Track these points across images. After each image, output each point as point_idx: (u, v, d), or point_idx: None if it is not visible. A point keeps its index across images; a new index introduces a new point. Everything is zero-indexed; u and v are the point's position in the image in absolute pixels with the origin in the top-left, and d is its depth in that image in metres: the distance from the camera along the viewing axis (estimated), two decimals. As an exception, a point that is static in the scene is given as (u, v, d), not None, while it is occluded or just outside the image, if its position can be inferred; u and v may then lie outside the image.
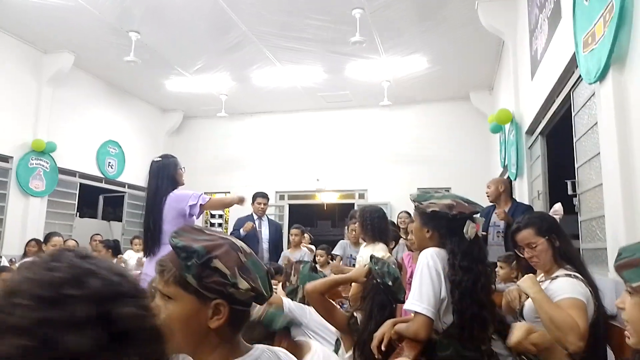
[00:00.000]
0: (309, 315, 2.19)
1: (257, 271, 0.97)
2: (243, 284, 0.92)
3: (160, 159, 3.28)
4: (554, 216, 2.14)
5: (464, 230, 1.83)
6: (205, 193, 9.89)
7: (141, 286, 0.64)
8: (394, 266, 2.30)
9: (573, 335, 1.71)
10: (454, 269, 1.80)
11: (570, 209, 3.25)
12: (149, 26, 6.03)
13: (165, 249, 2.95)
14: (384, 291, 2.13)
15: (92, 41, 6.52)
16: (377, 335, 1.93)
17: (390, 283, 2.13)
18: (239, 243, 1.00)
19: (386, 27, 5.92)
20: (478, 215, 1.92)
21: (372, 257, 2.27)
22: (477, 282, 1.79)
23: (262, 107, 9.22)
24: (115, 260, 5.33)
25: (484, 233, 4.94)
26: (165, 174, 3.17)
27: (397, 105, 8.33)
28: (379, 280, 2.13)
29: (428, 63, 6.99)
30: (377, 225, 3.36)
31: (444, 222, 1.88)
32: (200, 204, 3.03)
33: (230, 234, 5.36)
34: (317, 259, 5.40)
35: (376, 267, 2.17)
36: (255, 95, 8.48)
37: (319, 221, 12.44)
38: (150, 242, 3.02)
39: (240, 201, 3.27)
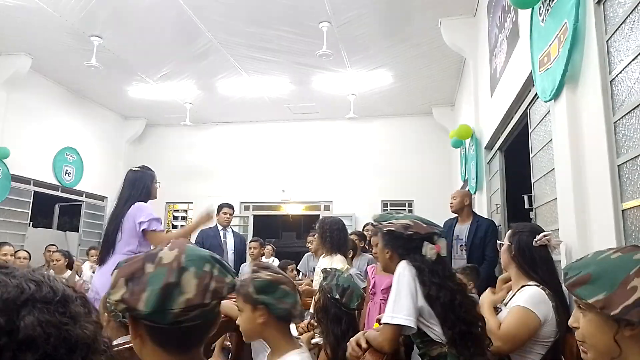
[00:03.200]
0: None
1: None
2: None
3: (138, 169, 3.20)
4: (543, 237, 2.17)
5: (423, 252, 1.85)
6: (167, 203, 9.59)
7: (69, 293, 0.62)
8: (346, 275, 2.32)
9: (491, 336, 1.88)
10: (424, 285, 1.79)
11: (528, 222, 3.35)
12: (112, 31, 5.90)
13: (117, 259, 2.86)
14: (335, 304, 2.15)
15: (51, 44, 6.31)
16: (352, 342, 1.92)
17: (337, 296, 2.15)
18: None
19: (352, 42, 6.01)
20: (437, 236, 1.94)
21: (323, 271, 2.28)
22: (454, 300, 1.78)
23: (228, 116, 9.14)
24: (68, 273, 5.13)
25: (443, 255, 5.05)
26: (141, 185, 3.08)
27: (363, 118, 8.44)
28: (328, 296, 2.16)
29: (392, 78, 7.13)
30: (335, 237, 3.35)
31: (400, 242, 1.92)
32: (144, 229, 2.86)
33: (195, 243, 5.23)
34: (250, 252, 5.36)
35: (324, 283, 2.20)
36: (221, 104, 8.41)
37: (283, 232, 12.36)
38: (105, 250, 2.92)
39: (209, 218, 3.18)
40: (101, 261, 2.97)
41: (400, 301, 1.77)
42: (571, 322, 1.08)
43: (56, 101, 7.76)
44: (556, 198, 2.59)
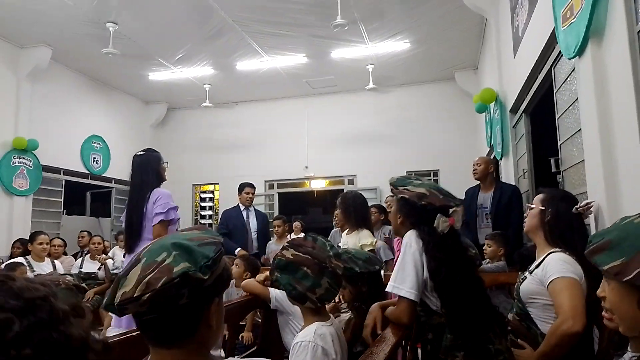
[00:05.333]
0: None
1: None
2: None
3: (143, 152, 3.19)
4: (585, 206, 2.07)
5: (435, 224, 1.81)
6: (193, 185, 9.75)
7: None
8: (353, 250, 2.38)
9: (567, 326, 1.73)
10: (428, 256, 1.78)
11: (554, 186, 3.24)
12: (127, 16, 5.91)
13: (144, 245, 2.88)
14: (375, 275, 2.16)
15: (69, 34, 6.37)
16: (369, 322, 1.93)
17: (377, 267, 2.21)
18: None
19: (368, 9, 5.84)
20: (453, 209, 1.90)
21: (346, 267, 2.03)
22: (454, 277, 1.76)
23: (247, 95, 9.13)
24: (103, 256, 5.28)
25: (459, 224, 4.96)
26: (150, 168, 3.08)
27: (383, 88, 8.29)
28: (366, 276, 2.16)
29: (412, 44, 6.92)
30: (360, 211, 3.30)
31: (413, 211, 1.88)
32: (162, 219, 2.86)
33: (218, 228, 5.28)
34: (275, 230, 5.37)
35: (357, 270, 2.16)
36: (239, 83, 8.38)
37: (310, 208, 12.43)
38: (133, 238, 2.95)
39: None
40: (130, 249, 3.00)
41: (404, 272, 1.77)
42: (599, 291, 1.05)
43: (79, 90, 7.89)
44: (584, 160, 2.49)
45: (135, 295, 0.84)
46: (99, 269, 5.22)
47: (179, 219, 3.04)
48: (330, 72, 7.94)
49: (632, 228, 0.93)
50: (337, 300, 2.40)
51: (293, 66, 7.67)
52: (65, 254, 5.53)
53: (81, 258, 5.44)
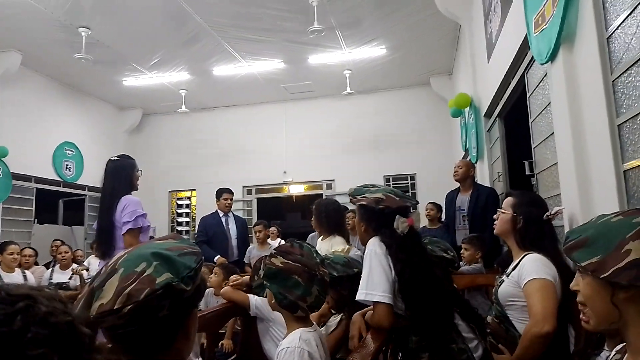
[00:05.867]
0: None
1: None
2: None
3: (117, 158, 3.11)
4: (555, 213, 2.12)
5: (394, 225, 1.86)
6: (170, 192, 9.58)
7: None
8: (332, 255, 2.37)
9: (537, 328, 1.78)
10: (393, 258, 1.82)
11: (529, 189, 3.31)
12: (100, 21, 5.80)
13: (118, 253, 2.81)
14: (355, 278, 2.16)
15: (40, 39, 6.22)
16: (354, 334, 1.94)
17: (356, 269, 2.18)
18: None
19: (344, 16, 5.88)
20: (411, 209, 1.95)
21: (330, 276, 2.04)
22: (416, 278, 1.79)
23: (224, 100, 9.06)
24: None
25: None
26: (123, 175, 3.01)
27: (360, 93, 8.34)
28: (353, 272, 2.15)
29: (387, 50, 6.99)
30: (332, 217, 3.25)
31: (373, 216, 1.93)
32: (130, 228, 2.80)
33: (197, 236, 5.20)
34: (256, 235, 5.29)
35: (335, 274, 2.15)
36: (216, 89, 8.32)
37: (288, 214, 12.39)
38: (105, 244, 2.89)
39: None
40: (104, 255, 2.94)
41: (374, 278, 1.79)
42: (572, 285, 1.07)
43: (50, 96, 7.70)
44: (557, 163, 2.54)
45: (115, 307, 0.81)
46: (70, 278, 5.08)
47: (149, 226, 2.98)
48: (308, 77, 7.96)
49: (609, 226, 0.96)
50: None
51: (270, 71, 7.65)
52: (36, 264, 5.37)
53: (51, 269, 5.29)
